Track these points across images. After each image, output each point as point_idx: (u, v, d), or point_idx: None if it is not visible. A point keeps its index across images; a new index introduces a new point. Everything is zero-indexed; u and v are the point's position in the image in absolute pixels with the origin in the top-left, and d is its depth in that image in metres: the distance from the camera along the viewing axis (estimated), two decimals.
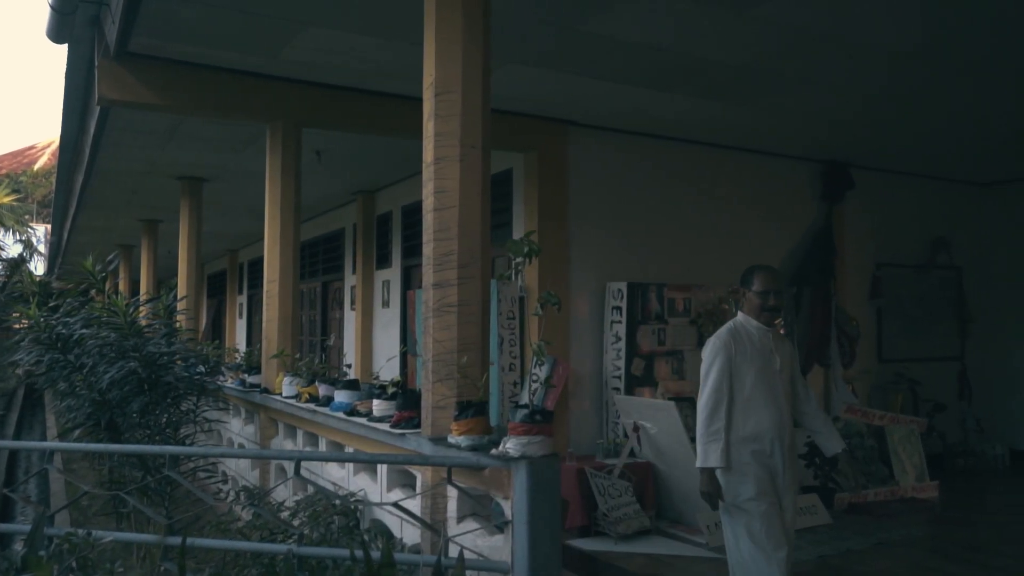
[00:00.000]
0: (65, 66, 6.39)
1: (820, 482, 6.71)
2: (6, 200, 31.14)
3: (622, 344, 7.04)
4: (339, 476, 5.46)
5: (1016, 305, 9.68)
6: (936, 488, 7.17)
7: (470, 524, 3.73)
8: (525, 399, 5.78)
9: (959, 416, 9.33)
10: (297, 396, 6.09)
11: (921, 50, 5.46)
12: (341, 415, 5.19)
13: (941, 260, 9.63)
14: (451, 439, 3.58)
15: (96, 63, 5.80)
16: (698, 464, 3.91)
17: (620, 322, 7.08)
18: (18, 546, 2.79)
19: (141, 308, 6.45)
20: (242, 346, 15.92)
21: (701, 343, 7.44)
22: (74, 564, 2.96)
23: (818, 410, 4.24)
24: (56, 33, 5.62)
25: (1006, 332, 9.74)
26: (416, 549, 4.21)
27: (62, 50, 6.37)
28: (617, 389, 7.02)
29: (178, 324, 7.04)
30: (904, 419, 7.50)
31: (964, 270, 9.84)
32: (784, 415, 3.97)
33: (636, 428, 6.36)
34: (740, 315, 4.15)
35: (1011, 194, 9.80)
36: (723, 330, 4.09)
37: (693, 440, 6.14)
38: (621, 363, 7.03)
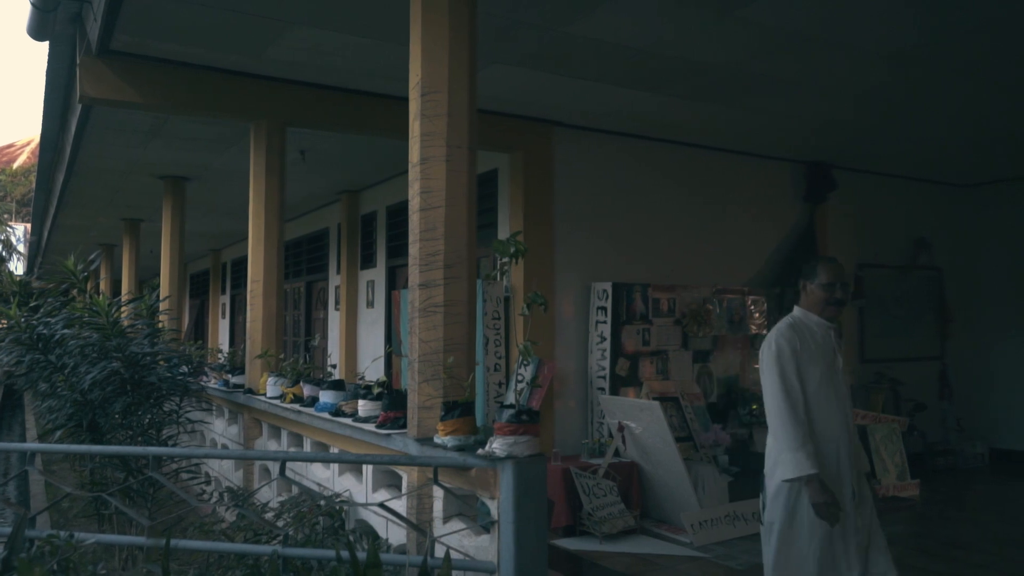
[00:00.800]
0: (46, 64, 6.33)
1: None
2: None
3: (607, 344, 7.06)
4: (324, 477, 5.44)
5: (995, 305, 9.80)
6: (917, 486, 7.24)
7: (456, 524, 3.73)
8: (511, 399, 5.78)
9: (940, 415, 9.44)
10: (281, 396, 6.06)
11: (905, 53, 5.51)
12: (326, 415, 5.17)
13: (922, 261, 9.73)
14: (437, 439, 3.58)
15: (78, 61, 5.74)
16: (793, 474, 3.44)
17: (605, 322, 7.10)
18: None
19: (123, 308, 6.39)
20: (225, 346, 15.83)
21: (685, 343, 7.50)
22: (55, 566, 2.93)
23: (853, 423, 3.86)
24: (37, 30, 5.57)
25: (986, 332, 9.86)
26: (402, 550, 4.20)
27: (43, 47, 6.31)
28: (602, 389, 7.04)
29: (161, 324, 6.98)
30: (885, 418, 7.57)
31: (944, 270, 9.95)
32: (849, 420, 3.65)
33: (621, 428, 6.38)
34: (798, 310, 3.85)
35: (991, 195, 9.92)
36: (783, 325, 3.74)
37: (678, 440, 6.22)
38: (606, 363, 7.05)
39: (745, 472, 6.78)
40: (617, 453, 6.38)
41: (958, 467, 8.84)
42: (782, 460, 3.48)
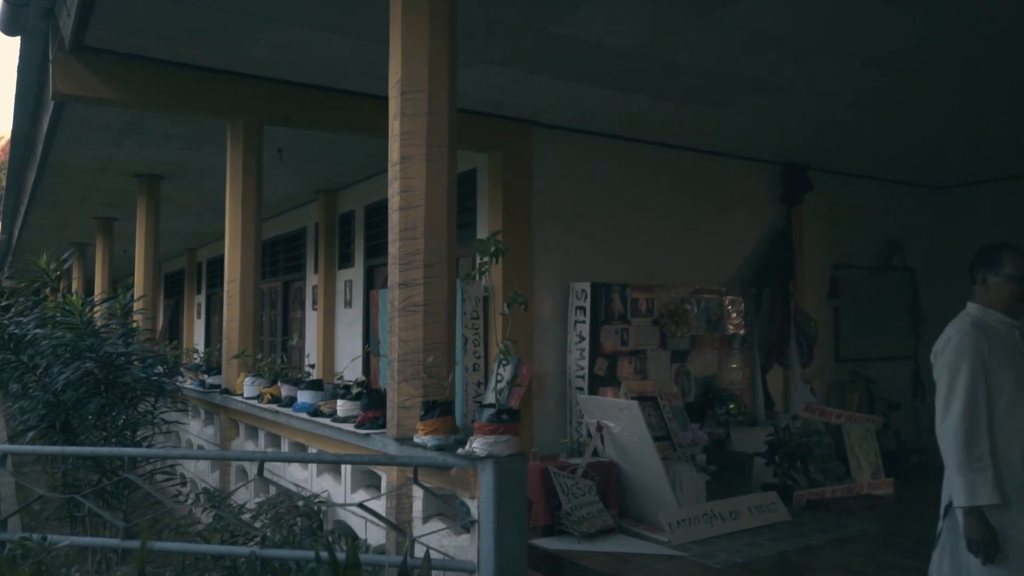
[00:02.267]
0: (18, 59, 6.22)
1: (779, 480, 6.82)
2: None
3: (586, 344, 7.08)
4: (302, 477, 5.40)
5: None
6: (891, 484, 7.33)
7: (436, 524, 3.72)
8: (490, 398, 5.78)
9: (913, 414, 9.56)
10: (259, 397, 6.01)
11: (885, 58, 5.56)
12: (304, 415, 5.14)
13: (896, 261, 9.86)
14: (417, 439, 3.56)
15: (51, 56, 5.65)
16: (962, 503, 3.00)
17: (584, 322, 7.12)
18: None
19: (97, 308, 6.31)
20: (201, 346, 15.67)
21: (664, 343, 7.54)
22: (28, 569, 2.88)
23: None
24: (8, 25, 5.47)
25: None
26: (381, 550, 4.19)
27: (15, 42, 6.22)
28: (581, 389, 7.05)
29: (135, 324, 6.90)
30: (860, 417, 7.66)
31: (918, 271, 10.08)
32: None
33: (599, 427, 6.40)
34: (974, 307, 3.36)
35: (964, 198, 10.07)
36: (965, 324, 3.23)
37: (656, 439, 6.25)
38: (585, 363, 7.07)
39: (722, 471, 6.83)
40: (595, 453, 6.40)
41: (931, 465, 8.94)
42: (955, 483, 3.05)
